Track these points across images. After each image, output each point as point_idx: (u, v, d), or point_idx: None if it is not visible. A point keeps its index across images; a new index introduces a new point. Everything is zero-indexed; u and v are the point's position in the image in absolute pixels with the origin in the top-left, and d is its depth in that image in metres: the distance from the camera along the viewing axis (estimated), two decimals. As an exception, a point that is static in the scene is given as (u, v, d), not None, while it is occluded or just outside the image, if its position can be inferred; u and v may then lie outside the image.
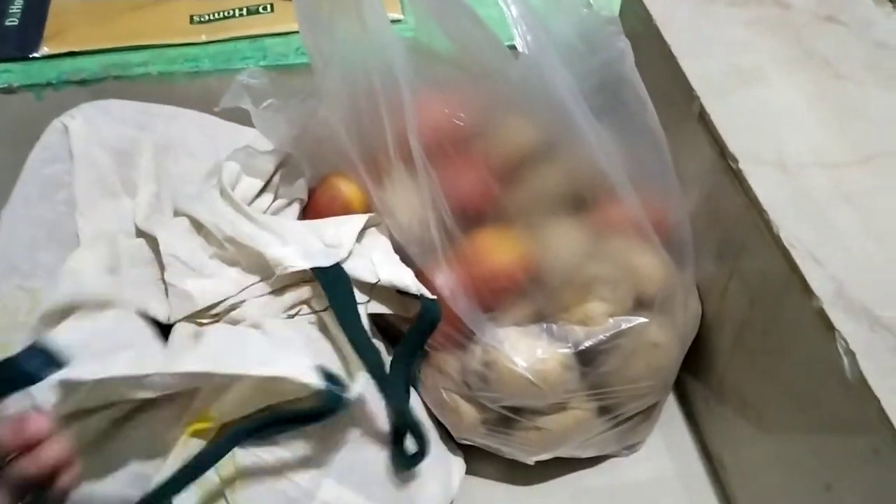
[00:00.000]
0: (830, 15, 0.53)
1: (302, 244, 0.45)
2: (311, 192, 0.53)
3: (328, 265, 0.44)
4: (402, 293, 0.46)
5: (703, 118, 0.47)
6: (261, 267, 0.45)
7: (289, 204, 0.51)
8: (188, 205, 0.48)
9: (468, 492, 0.50)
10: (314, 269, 0.44)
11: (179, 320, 0.44)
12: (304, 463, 0.42)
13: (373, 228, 0.48)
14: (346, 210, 0.52)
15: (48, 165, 0.52)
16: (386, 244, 0.47)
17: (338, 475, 0.43)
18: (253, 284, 0.45)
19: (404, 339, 0.46)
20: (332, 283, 0.43)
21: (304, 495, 0.42)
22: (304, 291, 0.46)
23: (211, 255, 0.46)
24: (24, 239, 0.51)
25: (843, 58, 0.49)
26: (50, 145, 0.53)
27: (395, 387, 0.45)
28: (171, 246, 0.46)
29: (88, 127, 0.53)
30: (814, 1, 0.54)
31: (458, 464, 0.50)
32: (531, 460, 0.49)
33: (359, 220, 0.47)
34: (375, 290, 0.46)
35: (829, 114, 0.46)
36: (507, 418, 0.47)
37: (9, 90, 0.58)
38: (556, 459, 0.50)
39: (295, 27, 0.62)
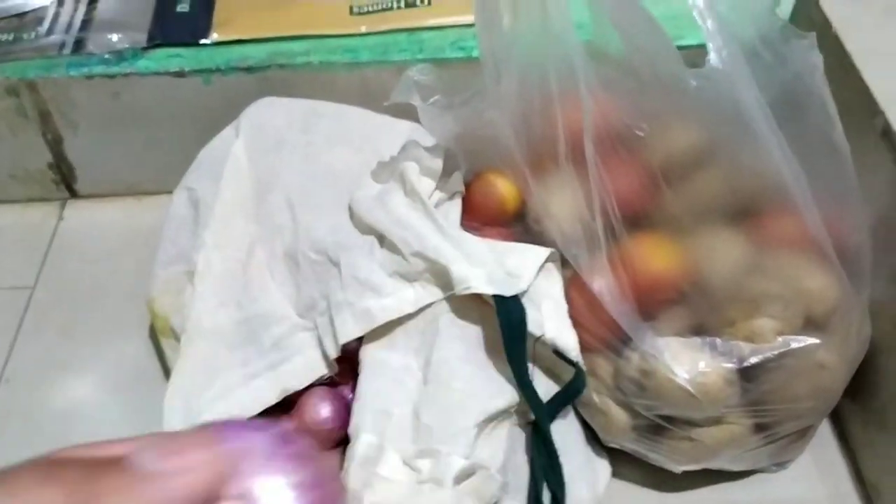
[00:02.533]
0: None
1: (487, 267, 0.46)
2: (467, 187, 0.54)
3: (509, 295, 0.45)
4: (557, 353, 0.46)
5: (888, 135, 0.45)
6: (442, 282, 0.46)
7: (451, 197, 0.52)
8: (371, 212, 0.49)
9: (612, 495, 0.50)
10: (494, 297, 0.44)
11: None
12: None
13: (551, 265, 0.48)
14: (500, 206, 0.53)
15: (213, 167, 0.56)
16: (559, 289, 0.48)
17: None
18: (431, 304, 0.46)
19: (549, 400, 0.47)
20: (508, 314, 0.44)
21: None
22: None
23: (391, 272, 0.47)
24: (193, 227, 0.55)
25: None
26: (215, 150, 0.57)
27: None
28: (353, 268, 0.47)
29: (246, 148, 0.56)
30: None
31: (603, 467, 0.50)
32: (679, 469, 0.49)
33: (541, 252, 0.47)
34: (537, 342, 0.46)
35: None
36: (659, 426, 0.47)
37: (180, 74, 0.61)
38: (704, 470, 0.49)
39: (450, 21, 0.63)
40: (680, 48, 0.44)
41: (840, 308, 0.44)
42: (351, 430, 0.45)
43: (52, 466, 0.18)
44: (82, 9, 0.65)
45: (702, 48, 0.42)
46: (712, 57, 0.40)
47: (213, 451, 0.19)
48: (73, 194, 0.69)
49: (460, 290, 0.46)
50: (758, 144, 0.41)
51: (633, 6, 0.43)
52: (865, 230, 0.44)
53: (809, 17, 0.53)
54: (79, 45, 0.62)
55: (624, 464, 0.50)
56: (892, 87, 0.47)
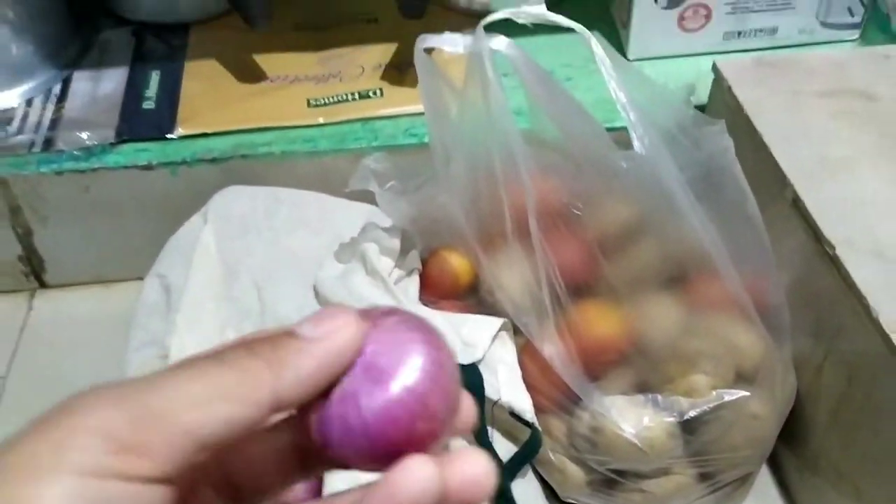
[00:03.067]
0: (915, 107, 0.56)
1: None
2: (423, 264, 0.58)
3: (466, 364, 0.48)
4: (514, 415, 0.50)
5: (797, 205, 0.51)
6: None
7: (409, 274, 0.56)
8: (335, 291, 0.53)
9: (571, 551, 0.52)
10: None
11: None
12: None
13: (504, 333, 0.52)
14: (455, 281, 0.57)
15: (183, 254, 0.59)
16: (512, 355, 0.51)
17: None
18: None
19: (509, 460, 0.50)
20: (467, 381, 0.47)
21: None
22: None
23: None
24: (164, 312, 0.57)
25: (929, 149, 0.53)
26: (184, 238, 0.60)
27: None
28: None
29: (214, 235, 0.59)
30: (897, 93, 0.58)
31: (562, 524, 0.53)
32: (633, 522, 0.52)
33: (494, 322, 0.51)
34: (495, 406, 0.50)
35: (919, 203, 0.49)
36: (612, 480, 0.50)
37: (147, 167, 0.64)
38: (656, 522, 0.52)
39: (402, 111, 0.68)
40: (610, 130, 0.50)
41: (765, 362, 0.48)
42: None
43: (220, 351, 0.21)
44: (51, 108, 0.69)
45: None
46: (636, 144, 0.45)
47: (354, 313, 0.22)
48: (43, 284, 0.71)
49: None
50: (681, 218, 0.46)
51: (565, 97, 0.49)
52: (782, 290, 0.49)
53: (724, 101, 0.59)
54: (48, 143, 0.65)
55: (581, 519, 0.53)
56: (798, 161, 0.53)
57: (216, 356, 0.20)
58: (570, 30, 0.46)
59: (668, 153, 0.45)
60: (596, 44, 0.44)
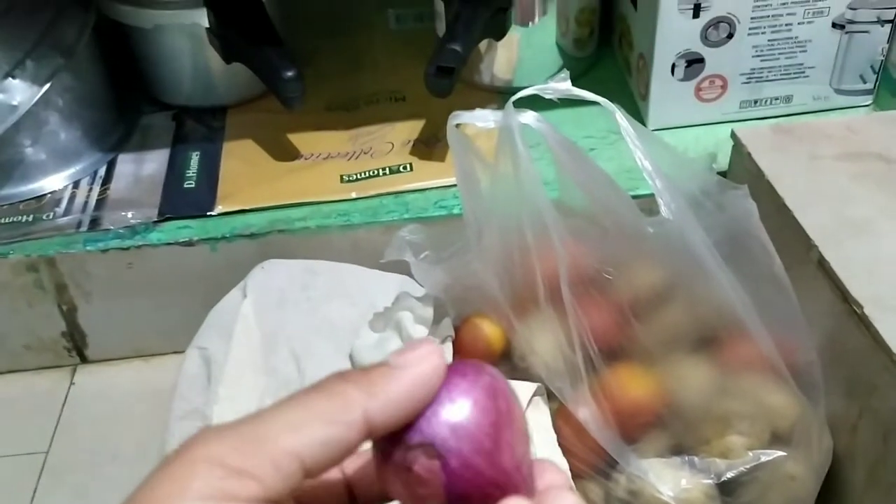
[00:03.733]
0: (931, 168, 0.58)
1: None
2: (456, 331, 0.59)
3: None
4: None
5: (823, 265, 0.52)
6: None
7: (442, 342, 0.57)
8: (371, 359, 0.54)
9: None
10: None
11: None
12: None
13: (538, 398, 0.53)
14: (487, 347, 0.58)
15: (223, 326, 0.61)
16: (547, 420, 0.52)
17: None
18: None
19: None
20: None
21: None
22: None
23: None
24: (205, 383, 0.59)
25: (949, 209, 0.54)
26: (223, 311, 0.62)
27: None
28: None
29: (253, 307, 0.62)
30: (914, 155, 0.59)
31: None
32: (674, 587, 0.52)
33: (528, 388, 0.52)
34: None
35: (943, 261, 0.50)
36: (652, 545, 0.50)
37: (189, 244, 0.67)
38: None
39: (431, 184, 0.70)
40: (636, 197, 0.52)
41: (800, 421, 0.49)
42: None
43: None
44: (97, 189, 0.72)
45: (654, 197, 0.49)
46: (663, 210, 0.47)
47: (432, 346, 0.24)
48: (84, 359, 0.73)
49: None
50: (709, 280, 0.47)
51: (591, 166, 0.51)
52: (813, 349, 0.50)
53: (745, 167, 0.61)
54: (94, 222, 0.68)
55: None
56: (820, 223, 0.54)
57: (314, 386, 0.23)
58: (592, 103, 0.48)
59: (694, 217, 0.47)
60: (621, 115, 0.47)
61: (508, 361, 0.57)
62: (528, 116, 0.47)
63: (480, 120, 0.48)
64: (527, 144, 0.47)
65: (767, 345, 0.48)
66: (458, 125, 0.51)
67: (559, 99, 0.47)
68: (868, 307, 0.48)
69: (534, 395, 0.53)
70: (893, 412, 0.46)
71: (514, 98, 0.47)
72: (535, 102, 0.48)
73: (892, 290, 0.49)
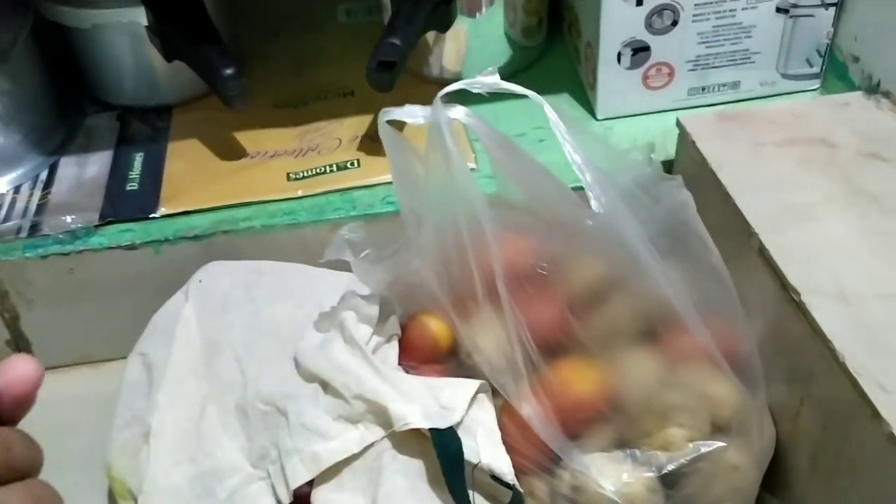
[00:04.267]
0: (874, 152, 0.57)
1: (422, 403, 0.50)
2: (403, 329, 0.58)
3: (444, 427, 0.48)
4: (494, 478, 0.50)
5: (763, 253, 0.52)
6: (382, 420, 0.50)
7: (388, 340, 0.56)
8: (314, 361, 0.53)
9: None
10: (431, 430, 0.48)
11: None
12: None
13: (482, 395, 0.52)
14: (434, 345, 0.57)
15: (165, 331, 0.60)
16: (491, 418, 0.51)
17: None
18: (374, 443, 0.50)
19: None
20: (444, 445, 0.48)
21: None
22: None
23: (335, 416, 0.51)
24: (147, 390, 0.58)
25: (889, 193, 0.54)
26: (166, 315, 0.61)
27: None
28: (300, 415, 0.51)
29: (195, 311, 0.60)
30: (858, 139, 0.59)
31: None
32: (620, 581, 0.51)
33: (472, 385, 0.51)
34: (475, 469, 0.50)
35: (881, 247, 0.50)
36: (597, 540, 0.50)
37: (131, 247, 0.66)
38: (644, 580, 0.52)
39: (378, 180, 0.69)
40: (577, 189, 0.51)
41: (740, 411, 0.48)
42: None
43: None
44: (38, 194, 0.70)
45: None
46: (593, 203, 0.46)
47: None
48: (30, 368, 0.72)
49: (399, 426, 0.49)
50: (646, 274, 0.47)
51: (526, 159, 0.50)
52: (752, 339, 0.49)
53: (690, 156, 0.61)
54: (34, 228, 0.67)
55: (570, 581, 0.53)
56: (761, 210, 0.54)
57: None
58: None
59: (628, 210, 0.46)
60: (549, 109, 0.46)
61: (456, 358, 0.56)
62: (458, 111, 0.46)
63: (409, 116, 0.47)
64: (456, 140, 0.47)
65: (706, 337, 0.48)
66: (393, 121, 0.50)
67: (488, 93, 0.47)
68: (805, 294, 0.48)
69: (477, 392, 0.53)
70: (831, 400, 0.46)
71: (441, 93, 0.46)
72: (491, 95, 0.47)
73: (831, 277, 0.49)
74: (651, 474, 0.48)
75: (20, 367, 0.32)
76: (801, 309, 0.47)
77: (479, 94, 0.48)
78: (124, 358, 0.62)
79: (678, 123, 0.62)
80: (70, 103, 0.78)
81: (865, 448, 0.43)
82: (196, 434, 0.55)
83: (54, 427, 0.67)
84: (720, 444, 0.48)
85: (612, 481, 0.48)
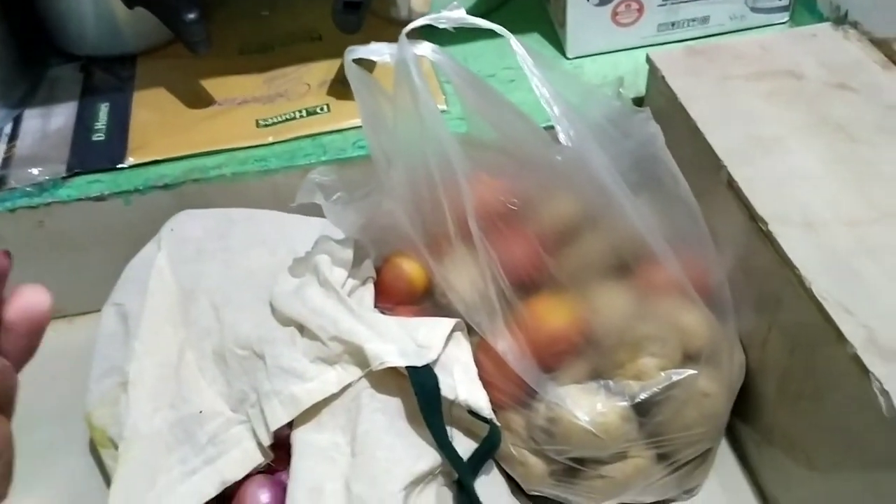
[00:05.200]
0: (842, 83, 0.58)
1: (398, 342, 0.50)
2: (378, 271, 0.59)
3: (420, 365, 0.49)
4: (472, 413, 0.51)
5: (731, 185, 0.52)
6: (359, 360, 0.50)
7: (363, 283, 0.57)
8: (290, 305, 0.53)
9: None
10: (408, 368, 0.49)
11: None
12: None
13: (458, 333, 0.53)
14: (409, 286, 0.58)
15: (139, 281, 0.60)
16: (467, 355, 0.52)
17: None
18: (352, 383, 0.50)
19: (470, 457, 0.51)
20: (422, 383, 0.49)
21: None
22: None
23: (312, 358, 0.51)
24: (123, 339, 0.58)
25: (855, 122, 0.54)
26: (139, 265, 0.61)
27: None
28: (277, 358, 0.51)
29: (168, 260, 0.60)
30: (825, 70, 0.59)
31: (529, 517, 0.54)
32: (598, 508, 0.53)
33: (447, 323, 0.52)
34: (452, 405, 0.51)
35: (846, 175, 0.51)
36: (573, 469, 0.51)
37: (100, 198, 0.65)
38: (621, 506, 0.53)
39: (349, 124, 0.69)
40: (548, 128, 0.51)
41: (711, 340, 0.49)
42: (287, 510, 0.48)
43: None
44: (2, 148, 0.69)
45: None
46: (561, 137, 0.46)
47: None
48: (5, 323, 0.71)
49: (376, 365, 0.50)
50: (616, 208, 0.47)
51: (496, 97, 0.50)
52: (722, 269, 0.50)
53: (660, 91, 0.61)
54: (1, 181, 0.66)
55: (549, 510, 0.54)
56: (730, 143, 0.54)
57: None
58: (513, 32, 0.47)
59: (597, 145, 0.47)
60: (517, 44, 0.45)
61: (431, 299, 0.57)
62: (425, 48, 0.46)
63: (376, 54, 0.47)
64: (424, 78, 0.46)
65: (676, 269, 0.49)
66: (360, 60, 0.49)
67: (455, 28, 0.46)
68: (773, 224, 0.48)
69: (453, 330, 0.53)
70: (797, 325, 0.47)
71: (406, 29, 0.46)
72: (461, 34, 0.47)
73: (797, 207, 0.49)
74: (625, 403, 0.49)
75: (32, 297, 0.27)
76: (768, 238, 0.48)
77: (447, 34, 0.47)
78: (98, 311, 0.62)
79: (648, 59, 0.62)
80: (32, 55, 0.76)
81: (830, 370, 0.44)
82: (175, 380, 0.55)
83: (31, 381, 0.67)
84: (691, 372, 0.49)
85: (587, 412, 0.49)
